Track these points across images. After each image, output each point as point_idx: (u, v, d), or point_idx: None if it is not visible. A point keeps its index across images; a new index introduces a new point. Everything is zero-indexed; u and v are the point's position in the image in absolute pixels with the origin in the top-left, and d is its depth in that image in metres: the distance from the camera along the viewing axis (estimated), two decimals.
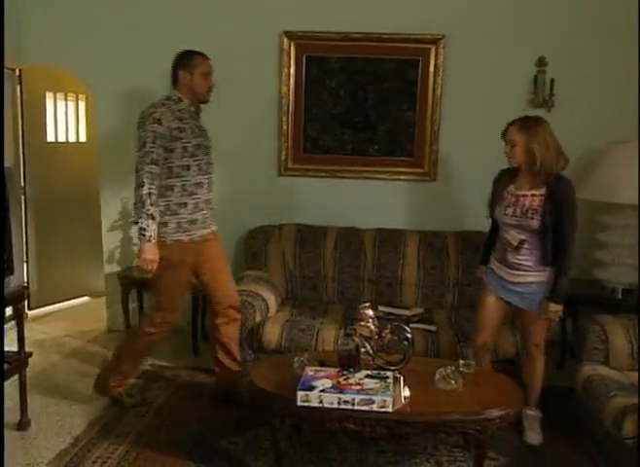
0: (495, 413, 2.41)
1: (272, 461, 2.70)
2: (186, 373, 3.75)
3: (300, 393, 2.37)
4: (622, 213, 3.69)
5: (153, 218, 2.96)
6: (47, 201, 4.85)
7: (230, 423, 3.11)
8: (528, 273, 2.87)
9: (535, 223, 2.79)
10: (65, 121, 5.02)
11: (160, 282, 3.15)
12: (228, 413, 3.21)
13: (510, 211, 2.88)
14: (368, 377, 2.48)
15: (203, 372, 3.71)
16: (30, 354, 3.10)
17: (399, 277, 3.93)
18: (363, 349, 2.62)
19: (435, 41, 4.00)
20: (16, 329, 3.04)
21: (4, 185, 2.73)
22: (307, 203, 4.23)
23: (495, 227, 3.06)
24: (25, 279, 4.50)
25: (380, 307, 3.62)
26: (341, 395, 2.36)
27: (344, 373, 2.51)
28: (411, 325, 3.02)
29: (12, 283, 2.89)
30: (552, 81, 3.94)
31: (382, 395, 2.35)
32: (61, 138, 5.01)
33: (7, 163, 2.81)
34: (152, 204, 2.96)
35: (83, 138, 5.17)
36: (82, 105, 5.12)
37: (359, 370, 2.54)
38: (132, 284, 4.15)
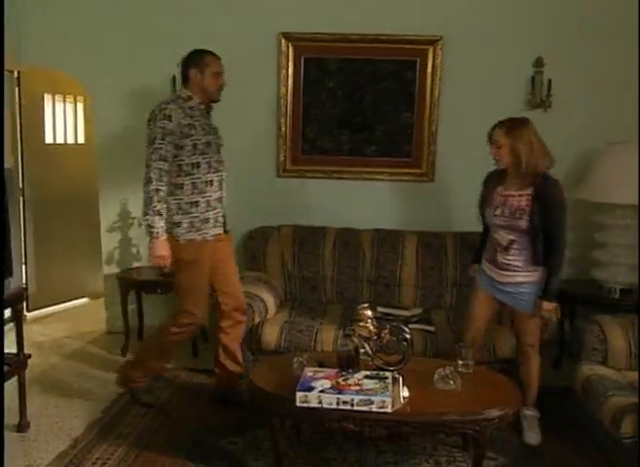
0: (494, 413, 2.41)
1: (272, 461, 2.70)
2: (185, 374, 3.74)
3: (299, 394, 2.38)
4: (620, 213, 3.70)
5: (160, 214, 2.95)
6: (45, 203, 4.85)
7: (229, 424, 3.11)
8: (518, 274, 2.89)
9: (523, 223, 2.81)
10: (64, 122, 5.03)
11: (179, 283, 3.16)
12: (227, 413, 3.21)
13: (498, 212, 2.91)
14: (367, 377, 2.48)
15: (203, 372, 3.72)
16: (29, 356, 3.10)
17: (397, 278, 3.94)
18: (362, 350, 2.62)
19: (432, 42, 4.00)
20: (14, 331, 3.03)
21: (4, 187, 2.73)
22: (306, 204, 4.24)
23: (486, 228, 3.09)
24: (24, 281, 4.50)
25: (379, 308, 3.63)
26: (340, 396, 2.36)
27: (343, 373, 2.52)
28: (410, 325, 3.02)
29: (11, 285, 2.88)
30: (550, 81, 3.95)
31: (381, 395, 2.35)
32: (60, 140, 5.01)
33: (6, 165, 2.81)
34: (159, 201, 2.94)
35: (81, 140, 5.17)
36: (80, 107, 5.12)
37: (358, 370, 2.54)
38: (131, 285, 4.14)
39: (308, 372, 2.54)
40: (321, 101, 4.17)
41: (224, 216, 3.23)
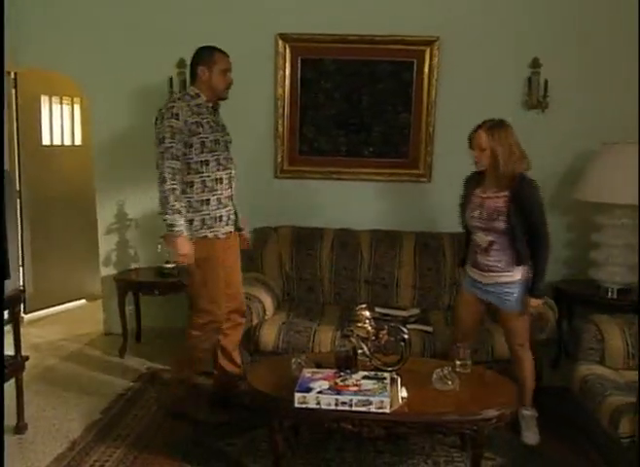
0: (492, 413, 2.42)
1: (270, 463, 2.69)
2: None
3: (297, 395, 2.37)
4: (617, 213, 3.71)
5: (179, 212, 2.91)
6: (42, 205, 4.84)
7: (227, 425, 3.10)
8: (499, 274, 2.89)
9: (501, 224, 2.82)
10: (61, 124, 5.03)
11: (192, 283, 3.10)
12: (225, 414, 3.20)
13: (476, 214, 2.92)
14: (365, 378, 2.48)
15: (201, 374, 3.70)
16: (27, 358, 3.09)
17: (395, 278, 3.94)
18: (360, 350, 2.62)
19: (429, 43, 4.01)
20: (12, 333, 3.02)
21: (3, 188, 2.71)
22: (303, 205, 4.24)
23: (467, 230, 3.09)
24: (21, 283, 4.49)
25: (377, 309, 3.62)
26: (339, 396, 2.36)
27: (342, 374, 2.51)
28: (408, 326, 3.02)
29: (8, 287, 2.88)
30: (546, 82, 3.96)
31: (380, 396, 2.35)
32: (57, 141, 5.01)
33: (5, 167, 2.80)
34: (176, 200, 2.91)
35: (78, 141, 5.17)
36: (77, 108, 5.11)
37: (356, 371, 2.54)
38: (129, 287, 4.14)
39: (306, 373, 2.54)
40: (318, 102, 4.18)
41: (235, 213, 3.22)
